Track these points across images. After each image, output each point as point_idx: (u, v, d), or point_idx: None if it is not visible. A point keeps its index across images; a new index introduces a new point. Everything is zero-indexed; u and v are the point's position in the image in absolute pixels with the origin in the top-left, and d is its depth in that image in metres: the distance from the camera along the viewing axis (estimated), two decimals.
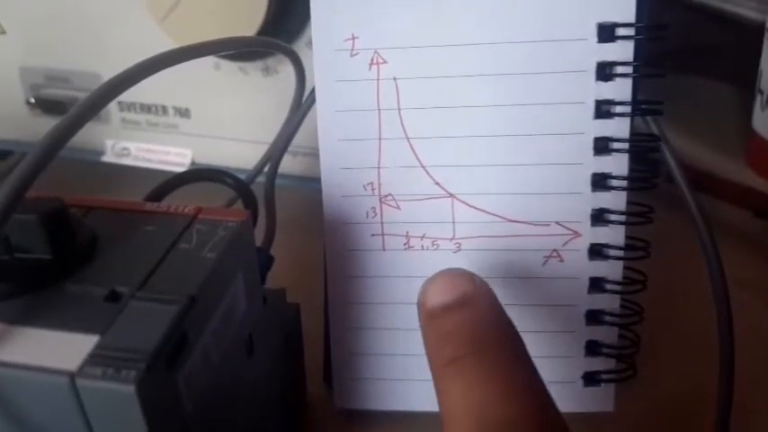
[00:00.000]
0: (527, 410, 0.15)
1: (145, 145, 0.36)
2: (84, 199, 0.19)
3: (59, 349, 0.13)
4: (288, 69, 0.33)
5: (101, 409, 0.13)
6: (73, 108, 0.14)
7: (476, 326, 0.17)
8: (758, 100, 0.37)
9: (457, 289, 0.17)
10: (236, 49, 0.29)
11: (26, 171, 0.14)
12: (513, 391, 0.15)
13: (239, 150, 0.35)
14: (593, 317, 0.22)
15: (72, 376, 0.13)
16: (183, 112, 0.35)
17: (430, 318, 0.17)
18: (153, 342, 0.13)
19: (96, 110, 0.15)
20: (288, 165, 0.29)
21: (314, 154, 0.35)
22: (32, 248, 0.16)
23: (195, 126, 0.35)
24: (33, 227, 0.15)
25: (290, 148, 0.26)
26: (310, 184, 0.34)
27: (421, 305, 0.18)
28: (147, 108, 0.36)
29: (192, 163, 0.36)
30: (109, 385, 0.13)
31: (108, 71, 0.35)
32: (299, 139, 0.26)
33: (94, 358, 0.13)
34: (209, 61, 0.33)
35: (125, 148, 0.37)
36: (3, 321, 0.14)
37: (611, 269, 0.22)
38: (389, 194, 0.22)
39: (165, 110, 0.35)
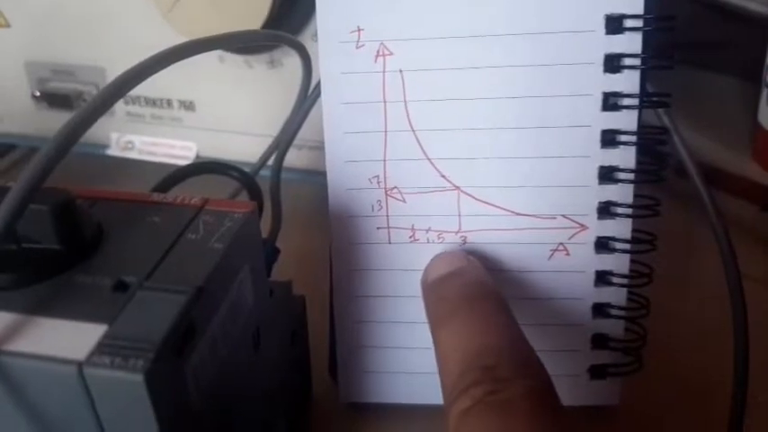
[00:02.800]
0: (503, 341, 0.18)
1: (149, 138, 0.37)
2: (89, 190, 0.19)
3: (68, 338, 0.13)
4: (293, 62, 0.33)
5: (109, 398, 0.13)
6: (87, 102, 0.14)
7: (464, 289, 0.20)
8: (764, 94, 0.37)
9: (451, 264, 0.21)
10: (246, 43, 0.29)
11: (41, 165, 0.14)
12: (493, 330, 0.18)
13: (244, 144, 0.35)
14: (600, 310, 0.22)
15: (80, 365, 0.13)
16: (188, 106, 0.35)
17: (429, 289, 0.21)
18: (161, 332, 0.13)
19: (110, 104, 0.15)
20: (292, 158, 0.29)
21: (318, 147, 0.35)
22: (40, 239, 0.16)
23: (200, 119, 0.35)
24: (42, 217, 0.15)
25: (294, 142, 0.26)
26: (314, 177, 0.34)
27: (423, 282, 0.21)
28: (151, 101, 0.36)
29: (197, 156, 0.36)
30: (117, 374, 0.13)
31: (113, 65, 0.35)
32: (303, 133, 0.26)
33: (103, 347, 0.13)
34: (213, 54, 0.33)
35: (130, 142, 0.37)
36: (11, 311, 0.14)
37: (618, 262, 0.22)
38: (395, 187, 0.22)
39: (169, 103, 0.35)
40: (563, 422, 0.16)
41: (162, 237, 0.16)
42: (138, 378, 0.13)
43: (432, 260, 0.22)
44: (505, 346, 0.17)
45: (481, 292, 0.20)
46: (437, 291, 0.20)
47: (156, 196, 0.18)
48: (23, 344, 0.13)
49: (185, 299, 0.14)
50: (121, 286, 0.15)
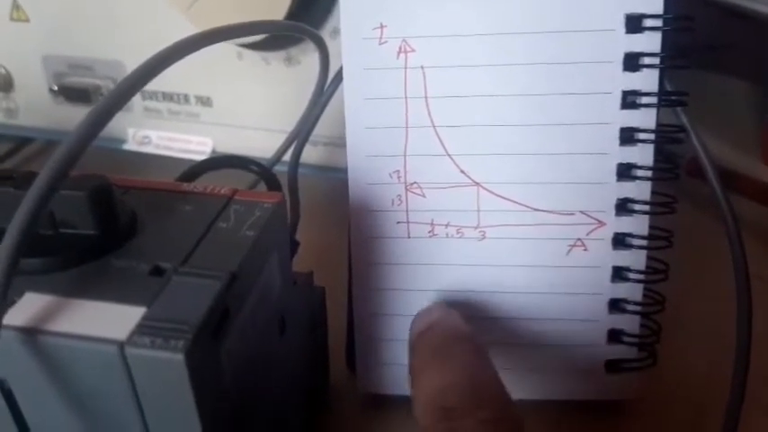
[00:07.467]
0: (464, 380, 0.18)
1: (166, 133, 0.37)
2: (122, 179, 0.19)
3: (108, 320, 0.14)
4: (309, 60, 0.33)
5: (148, 377, 0.13)
6: (111, 89, 0.15)
7: (436, 340, 0.20)
8: None
9: (428, 318, 0.21)
10: (265, 33, 0.29)
11: (69, 149, 0.14)
12: (457, 371, 0.18)
13: (260, 139, 0.35)
14: (616, 305, 0.23)
15: (121, 345, 0.13)
16: (205, 101, 0.36)
17: (411, 346, 0.21)
18: (198, 314, 0.14)
19: (133, 92, 0.15)
20: (306, 154, 0.30)
21: (332, 144, 0.35)
22: (77, 224, 0.16)
23: (216, 115, 0.36)
24: (79, 203, 0.16)
25: (309, 138, 0.27)
26: (328, 173, 0.35)
27: (409, 341, 0.22)
28: (169, 97, 0.36)
29: (213, 151, 0.36)
30: (158, 354, 0.13)
31: (130, 60, 0.36)
32: (317, 129, 0.26)
33: (143, 328, 0.14)
34: (231, 51, 0.33)
35: (146, 137, 0.37)
36: (53, 293, 0.15)
37: (635, 258, 0.22)
38: (415, 182, 0.22)
39: (186, 99, 0.36)
40: None
41: (194, 224, 0.17)
42: (179, 357, 0.13)
43: (415, 316, 0.22)
44: (465, 385, 0.18)
45: (451, 339, 0.20)
46: (414, 347, 0.21)
47: (186, 186, 0.19)
48: (65, 324, 0.14)
49: (220, 284, 0.15)
50: (157, 271, 0.15)
